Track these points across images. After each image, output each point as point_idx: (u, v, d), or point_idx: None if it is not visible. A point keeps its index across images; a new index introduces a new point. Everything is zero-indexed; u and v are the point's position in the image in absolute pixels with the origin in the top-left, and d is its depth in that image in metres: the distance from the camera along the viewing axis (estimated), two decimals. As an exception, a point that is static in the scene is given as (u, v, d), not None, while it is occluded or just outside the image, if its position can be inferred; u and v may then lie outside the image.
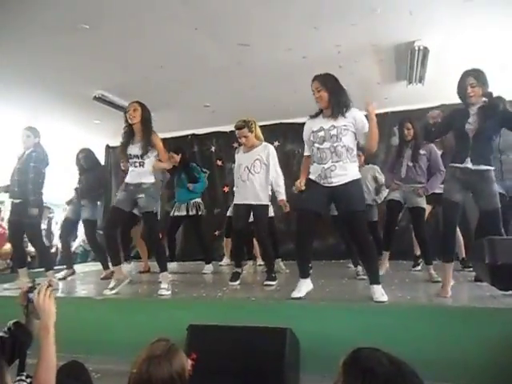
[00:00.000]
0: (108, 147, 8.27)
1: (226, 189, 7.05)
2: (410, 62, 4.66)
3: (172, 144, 7.54)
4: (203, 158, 7.39)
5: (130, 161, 3.85)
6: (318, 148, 3.10)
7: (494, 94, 3.35)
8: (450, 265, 3.28)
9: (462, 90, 3.16)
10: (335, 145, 3.04)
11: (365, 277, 4.76)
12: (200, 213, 5.15)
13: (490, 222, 3.04)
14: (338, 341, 2.50)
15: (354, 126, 3.08)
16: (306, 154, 3.37)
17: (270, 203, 4.26)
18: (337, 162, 3.03)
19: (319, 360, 2.65)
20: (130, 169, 3.87)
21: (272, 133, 6.79)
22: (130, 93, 5.52)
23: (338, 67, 4.86)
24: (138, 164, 3.81)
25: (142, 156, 3.79)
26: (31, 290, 1.64)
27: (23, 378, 1.43)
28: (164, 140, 7.42)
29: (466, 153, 3.12)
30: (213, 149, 7.48)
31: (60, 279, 4.87)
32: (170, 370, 1.27)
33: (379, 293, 3.03)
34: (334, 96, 3.09)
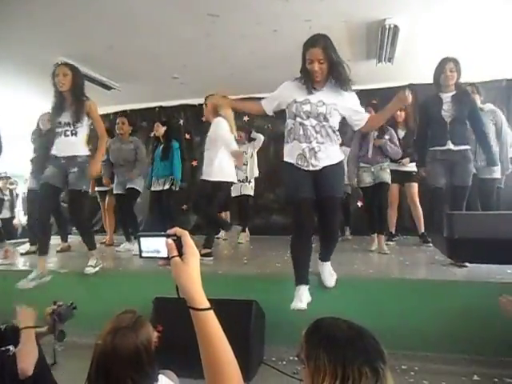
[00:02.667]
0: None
1: (195, 163, 6.97)
2: (380, 40, 4.67)
3: (139, 116, 7.41)
4: (171, 131, 7.24)
5: (59, 130, 3.37)
6: (302, 123, 2.66)
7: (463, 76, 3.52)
8: None
9: (439, 73, 3.41)
10: (323, 124, 2.65)
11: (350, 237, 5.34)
12: (174, 188, 5.03)
13: (456, 196, 3.31)
14: (303, 313, 2.57)
15: (343, 108, 2.70)
16: (263, 101, 2.93)
17: None
18: (322, 143, 2.65)
19: (284, 332, 2.73)
20: (58, 140, 3.40)
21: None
22: (94, 61, 5.32)
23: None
24: (69, 133, 3.35)
25: (74, 123, 3.34)
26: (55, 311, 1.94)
27: (10, 347, 1.66)
28: (131, 111, 7.34)
29: (445, 136, 3.38)
30: (181, 122, 7.35)
31: (22, 254, 4.73)
32: (136, 341, 1.28)
33: (330, 278, 3.02)
34: (334, 69, 2.62)
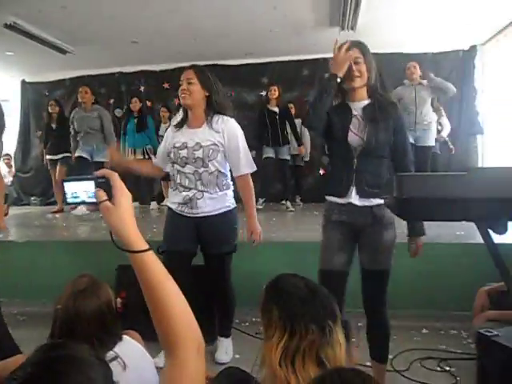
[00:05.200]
0: (24, 82, 7.58)
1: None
2: (343, 6, 4.66)
3: (98, 82, 7.13)
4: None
5: None
6: (179, 171, 2.27)
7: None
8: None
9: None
10: (201, 171, 2.22)
11: (293, 209, 5.24)
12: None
13: (375, 287, 1.94)
14: (265, 275, 2.65)
15: (224, 144, 2.23)
16: (157, 163, 2.49)
17: None
18: (203, 191, 2.25)
19: (246, 294, 2.78)
20: None
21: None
22: (47, 22, 5.03)
23: (273, 8, 4.77)
24: None
25: None
26: None
27: None
28: (89, 77, 7.05)
29: (348, 179, 1.88)
30: (142, 89, 7.14)
31: None
32: (99, 302, 1.30)
33: (223, 351, 2.50)
34: (209, 94, 2.24)
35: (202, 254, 2.42)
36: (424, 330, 2.71)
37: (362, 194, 1.86)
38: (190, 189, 2.25)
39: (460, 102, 5.99)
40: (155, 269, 0.80)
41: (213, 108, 2.23)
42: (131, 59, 6.61)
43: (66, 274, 2.51)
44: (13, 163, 7.51)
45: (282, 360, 0.91)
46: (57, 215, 5.36)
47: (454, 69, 6.05)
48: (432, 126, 4.62)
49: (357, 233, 1.92)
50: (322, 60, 6.25)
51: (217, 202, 2.27)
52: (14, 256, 3.42)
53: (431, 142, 4.62)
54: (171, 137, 2.33)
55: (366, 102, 1.90)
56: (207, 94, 2.22)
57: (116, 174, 0.84)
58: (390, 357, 2.07)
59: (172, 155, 2.28)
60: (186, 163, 2.23)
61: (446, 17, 5.00)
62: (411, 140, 4.22)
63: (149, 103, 7.12)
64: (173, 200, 2.34)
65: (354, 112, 1.89)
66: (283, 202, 5.49)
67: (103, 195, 0.81)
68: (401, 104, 4.17)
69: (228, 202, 2.32)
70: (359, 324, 2.74)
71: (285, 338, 0.93)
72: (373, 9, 4.75)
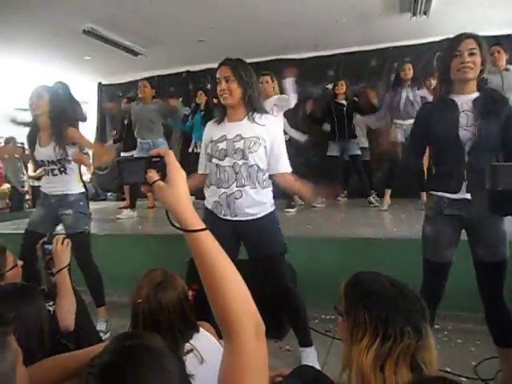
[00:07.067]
0: (100, 85, 8.04)
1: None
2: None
3: (167, 81, 7.39)
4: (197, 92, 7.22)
5: (45, 168, 2.83)
6: (218, 165, 2.14)
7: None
8: None
9: (450, 58, 1.85)
10: (240, 163, 2.09)
11: (378, 204, 4.82)
12: None
13: (494, 278, 1.95)
14: (334, 274, 2.59)
15: (266, 139, 2.12)
16: (199, 171, 2.31)
17: None
18: (242, 186, 2.11)
19: (315, 292, 2.76)
20: (46, 178, 2.89)
21: (269, 69, 6.60)
22: (120, 26, 5.30)
23: (339, -2, 4.64)
24: (57, 171, 2.79)
25: (60, 161, 2.76)
26: (48, 242, 1.79)
27: (49, 304, 1.62)
28: (159, 77, 7.32)
29: (460, 175, 1.89)
30: (208, 86, 7.28)
31: None
32: (177, 293, 1.34)
33: (308, 361, 2.21)
34: (247, 91, 2.10)
35: (251, 260, 2.26)
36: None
37: None
38: (229, 185, 2.11)
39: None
40: (211, 249, 0.78)
41: (252, 105, 2.12)
42: (198, 58, 6.76)
43: (139, 267, 2.62)
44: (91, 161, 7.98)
45: (373, 365, 0.86)
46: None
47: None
48: None
49: (469, 226, 1.94)
50: (391, 49, 6.00)
51: (256, 201, 2.13)
52: (93, 248, 3.63)
53: None
54: (210, 132, 2.23)
55: (476, 94, 1.85)
56: (244, 92, 2.08)
57: (171, 152, 0.82)
58: (474, 363, 1.93)
59: (209, 149, 2.17)
60: (226, 155, 2.11)
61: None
62: None
63: (215, 100, 7.24)
64: (210, 198, 2.22)
65: (462, 106, 1.85)
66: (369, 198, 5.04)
67: (155, 175, 0.79)
68: None
69: (268, 202, 2.19)
70: (436, 326, 2.62)
71: (377, 341, 0.87)
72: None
